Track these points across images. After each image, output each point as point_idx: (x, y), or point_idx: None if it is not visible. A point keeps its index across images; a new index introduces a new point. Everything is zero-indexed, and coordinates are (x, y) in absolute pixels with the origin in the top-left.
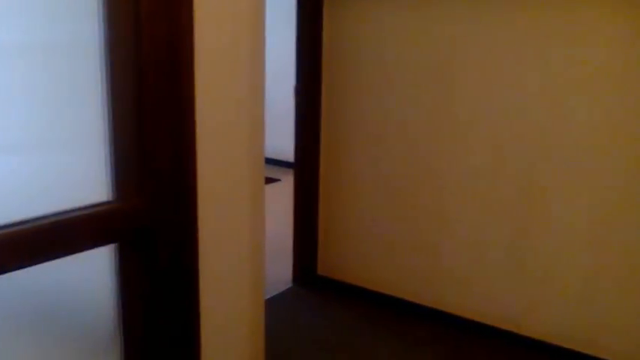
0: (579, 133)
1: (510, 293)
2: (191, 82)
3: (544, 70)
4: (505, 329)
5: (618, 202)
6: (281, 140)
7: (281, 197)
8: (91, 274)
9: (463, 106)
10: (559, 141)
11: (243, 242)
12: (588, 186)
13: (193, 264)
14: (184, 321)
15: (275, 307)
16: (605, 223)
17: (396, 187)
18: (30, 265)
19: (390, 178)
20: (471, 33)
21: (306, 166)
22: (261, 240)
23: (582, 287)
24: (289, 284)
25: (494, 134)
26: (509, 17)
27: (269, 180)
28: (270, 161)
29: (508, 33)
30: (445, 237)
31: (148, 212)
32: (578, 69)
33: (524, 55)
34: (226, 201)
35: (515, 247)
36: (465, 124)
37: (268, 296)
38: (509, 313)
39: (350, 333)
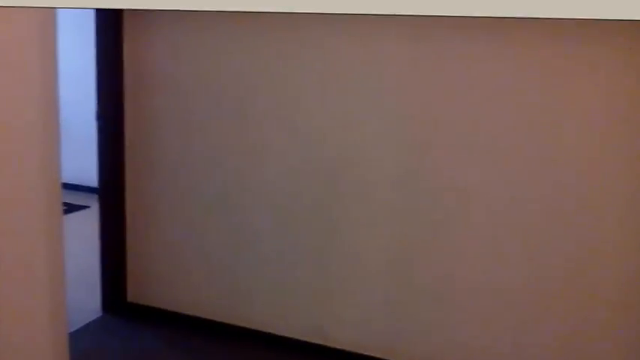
0: (373, 148)
1: (316, 306)
2: None
3: (343, 97)
4: (312, 342)
5: (413, 222)
6: (90, 166)
7: (90, 224)
8: None
9: (261, 131)
10: (356, 154)
11: (39, 273)
12: (386, 200)
13: None
14: None
15: (83, 337)
16: (405, 242)
17: (198, 211)
18: None
19: (192, 202)
20: (272, 59)
21: (111, 192)
22: (59, 270)
23: (384, 298)
24: (99, 313)
25: (293, 156)
26: (314, 42)
27: (77, 207)
28: (79, 188)
29: (314, 58)
30: (246, 257)
31: None
32: (375, 93)
33: (325, 79)
34: (18, 231)
35: (319, 262)
36: (263, 147)
37: (77, 327)
38: (315, 326)
39: (160, 358)
